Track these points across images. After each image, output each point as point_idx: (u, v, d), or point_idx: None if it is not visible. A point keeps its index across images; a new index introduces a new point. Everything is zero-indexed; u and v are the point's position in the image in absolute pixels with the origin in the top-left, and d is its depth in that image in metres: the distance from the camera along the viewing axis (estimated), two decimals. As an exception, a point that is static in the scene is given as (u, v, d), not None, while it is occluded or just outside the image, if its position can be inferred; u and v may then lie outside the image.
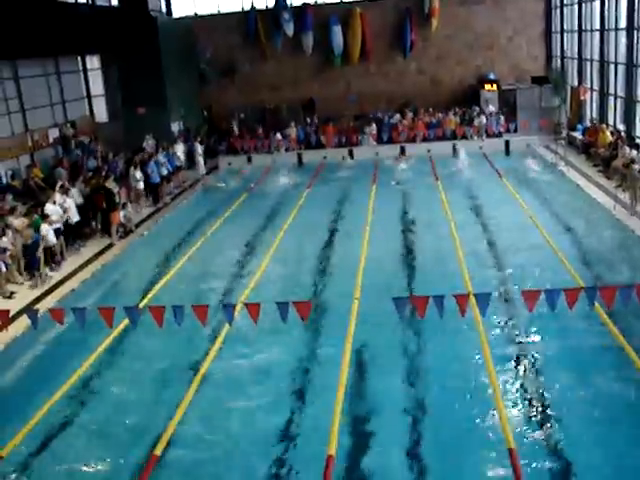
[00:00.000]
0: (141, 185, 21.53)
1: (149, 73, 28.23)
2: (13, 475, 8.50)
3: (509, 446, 7.92)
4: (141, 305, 12.41)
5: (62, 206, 16.89)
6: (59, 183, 18.27)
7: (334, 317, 12.45)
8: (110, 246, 17.83)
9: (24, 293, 14.36)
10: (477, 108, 30.30)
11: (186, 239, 18.66)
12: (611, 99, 24.78)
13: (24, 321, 11.62)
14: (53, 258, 16.10)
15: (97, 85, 31.16)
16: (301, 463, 8.31)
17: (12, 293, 14.22)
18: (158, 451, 8.53)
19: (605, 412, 8.93)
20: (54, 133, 25.98)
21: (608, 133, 22.99)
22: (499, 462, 7.94)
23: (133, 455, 8.74)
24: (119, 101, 30.13)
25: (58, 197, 17.03)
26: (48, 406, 9.86)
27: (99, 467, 8.67)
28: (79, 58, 29.69)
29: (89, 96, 30.18)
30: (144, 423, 9.53)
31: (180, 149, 26.22)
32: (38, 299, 14.01)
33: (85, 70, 30.18)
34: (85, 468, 8.65)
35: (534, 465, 7.93)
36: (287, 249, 16.82)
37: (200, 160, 26.74)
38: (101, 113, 31.24)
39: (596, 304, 9.68)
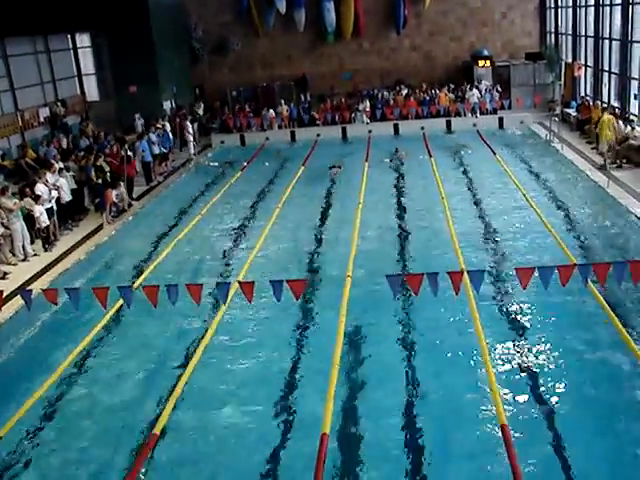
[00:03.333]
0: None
1: (140, 51, 27.98)
2: (11, 457, 8.55)
3: (501, 422, 7.92)
4: (136, 285, 12.39)
5: (54, 185, 16.78)
6: (51, 162, 18.18)
7: (328, 294, 12.48)
8: (103, 225, 17.77)
9: (17, 274, 14.30)
10: (469, 84, 30.19)
11: (180, 218, 18.63)
12: (605, 75, 24.70)
13: (18, 301, 11.61)
14: (47, 239, 16.04)
15: (88, 63, 30.87)
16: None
17: (5, 274, 14.17)
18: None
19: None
20: (45, 112, 25.76)
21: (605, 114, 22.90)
22: (491, 438, 8.01)
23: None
24: (110, 79, 29.87)
25: (49, 177, 16.91)
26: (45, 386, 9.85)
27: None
28: (69, 36, 29.38)
29: (80, 75, 29.92)
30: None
31: (168, 127, 25.98)
32: (32, 279, 13.97)
33: (75, 48, 29.89)
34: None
35: (525, 441, 8.03)
36: (281, 228, 16.76)
37: (190, 139, 26.57)
38: (92, 92, 30.97)
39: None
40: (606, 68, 24.52)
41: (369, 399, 9.17)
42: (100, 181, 18.46)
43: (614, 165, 19.04)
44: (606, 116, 20.19)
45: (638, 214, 15.16)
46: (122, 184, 19.34)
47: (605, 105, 23.40)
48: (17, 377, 10.42)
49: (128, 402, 9.61)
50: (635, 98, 21.69)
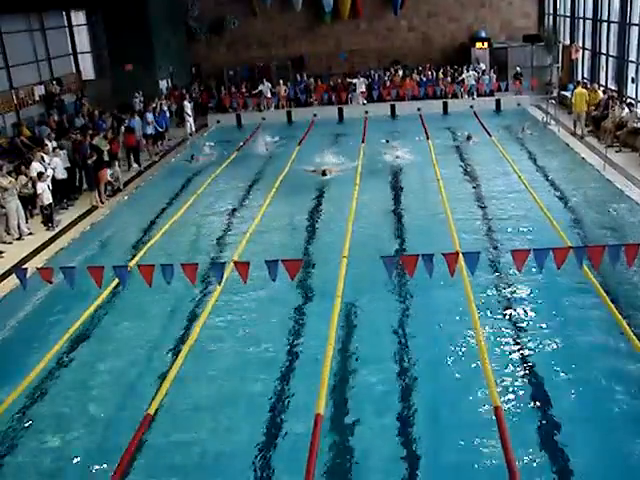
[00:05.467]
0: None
1: (136, 29, 27.76)
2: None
3: (495, 404, 7.97)
4: (131, 264, 12.38)
5: (48, 164, 16.71)
6: (46, 142, 18.08)
7: (323, 274, 12.51)
8: (96, 205, 17.72)
9: (13, 252, 14.28)
10: (466, 66, 30.07)
11: (175, 198, 18.58)
12: (603, 58, 24.60)
13: (13, 280, 11.60)
14: (50, 217, 15.95)
15: (83, 41, 30.62)
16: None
17: (0, 252, 14.15)
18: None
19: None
20: (40, 90, 25.58)
21: (600, 92, 22.87)
22: (485, 422, 8.07)
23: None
24: (106, 58, 29.66)
25: (44, 156, 16.83)
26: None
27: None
28: (64, 13, 29.11)
29: (75, 53, 29.69)
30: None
31: (166, 106, 25.85)
32: (27, 258, 13.95)
33: (70, 26, 29.64)
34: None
35: (518, 422, 8.10)
36: (277, 208, 16.75)
37: (188, 118, 26.45)
38: (88, 70, 30.77)
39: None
40: (604, 51, 24.42)
41: (362, 377, 9.23)
42: (94, 160, 18.28)
43: (611, 148, 19.05)
44: (579, 89, 22.01)
45: (633, 197, 15.20)
46: (117, 163, 19.29)
47: (580, 79, 24.51)
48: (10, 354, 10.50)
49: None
50: (632, 81, 21.65)
